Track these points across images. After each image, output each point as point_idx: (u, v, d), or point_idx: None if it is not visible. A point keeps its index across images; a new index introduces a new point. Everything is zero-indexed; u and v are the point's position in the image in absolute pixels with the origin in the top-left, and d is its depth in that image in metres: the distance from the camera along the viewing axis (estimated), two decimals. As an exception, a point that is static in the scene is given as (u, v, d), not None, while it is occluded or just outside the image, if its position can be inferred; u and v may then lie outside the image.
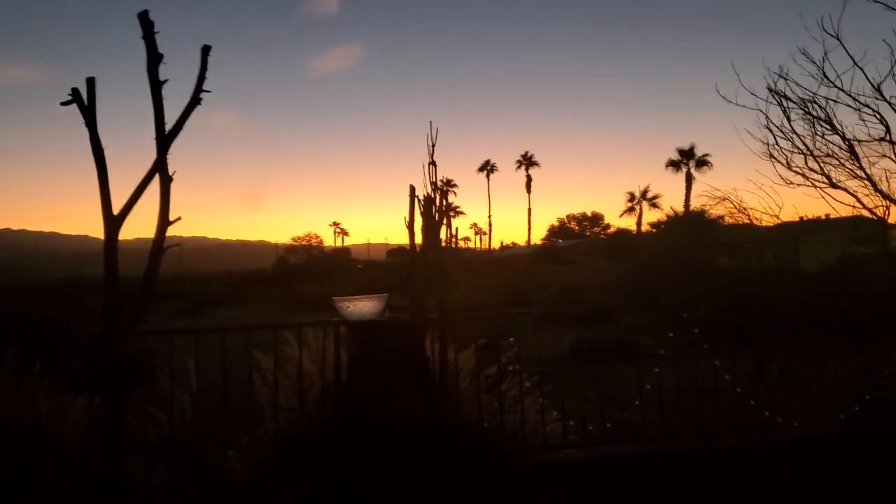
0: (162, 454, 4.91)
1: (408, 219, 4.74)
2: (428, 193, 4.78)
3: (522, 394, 5.26)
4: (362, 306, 4.63)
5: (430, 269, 4.75)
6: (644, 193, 76.48)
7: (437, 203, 4.80)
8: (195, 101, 4.71)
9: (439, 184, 4.80)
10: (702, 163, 68.52)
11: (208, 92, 4.73)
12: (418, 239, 4.94)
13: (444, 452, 4.69)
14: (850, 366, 6.19)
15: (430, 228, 4.75)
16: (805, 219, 9.80)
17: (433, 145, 4.80)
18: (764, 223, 7.11)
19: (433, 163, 4.79)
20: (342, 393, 4.65)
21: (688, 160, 68.84)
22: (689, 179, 67.91)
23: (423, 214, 4.81)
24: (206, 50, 4.73)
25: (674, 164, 69.76)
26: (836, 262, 21.13)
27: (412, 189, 4.72)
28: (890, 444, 5.39)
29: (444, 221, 4.86)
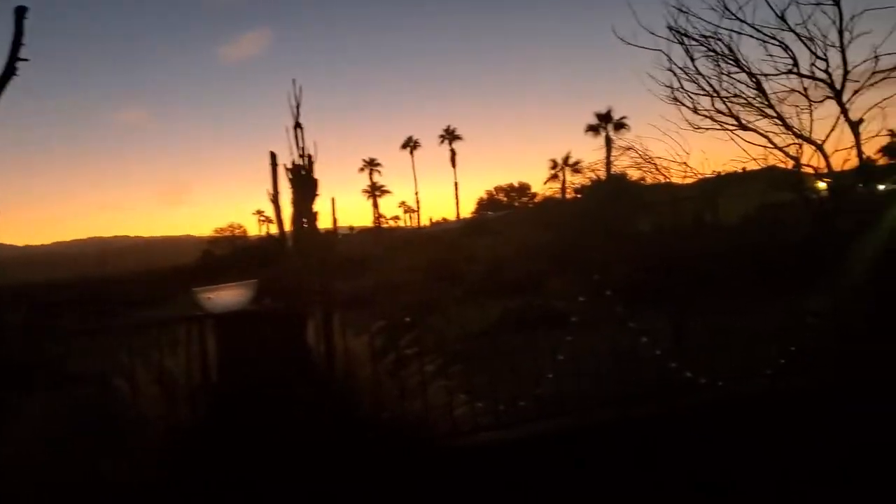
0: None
1: (271, 191, 4.15)
2: (294, 161, 4.20)
3: (425, 378, 4.77)
4: (227, 296, 4.04)
5: (304, 246, 4.17)
6: (566, 160, 76.85)
7: (308, 170, 4.22)
8: (10, 71, 4.03)
9: (307, 151, 4.22)
10: (620, 125, 69.02)
11: (26, 60, 4.05)
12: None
13: (337, 449, 4.16)
14: (773, 317, 5.90)
15: (301, 201, 4.17)
16: (721, 173, 9.56)
17: (297, 105, 4.21)
18: (672, 172, 6.75)
19: (299, 125, 4.20)
20: (212, 396, 4.06)
21: (606, 123, 69.30)
22: (609, 143, 68.42)
23: (291, 185, 4.23)
24: (20, 12, 4.03)
25: (593, 129, 70.14)
26: (753, 213, 21.32)
27: (273, 157, 4.12)
28: (818, 397, 5.09)
29: (317, 191, 4.28)
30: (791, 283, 6.96)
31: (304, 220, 4.16)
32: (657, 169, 6.51)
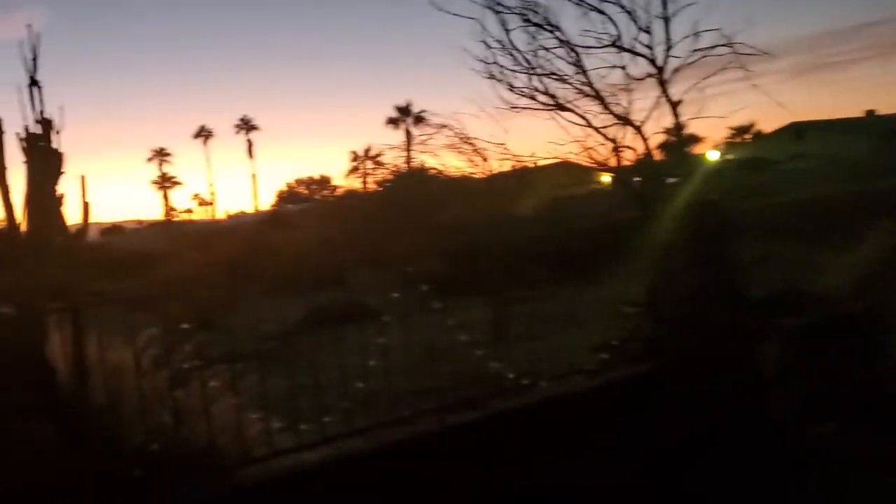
0: None
1: (-5, 167, 3.19)
2: (29, 129, 3.26)
3: (211, 395, 3.98)
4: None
5: (41, 236, 3.24)
6: (367, 152, 76.57)
7: (48, 139, 3.29)
8: None
9: (49, 116, 3.29)
10: (420, 119, 69.78)
11: None
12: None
13: (95, 496, 3.28)
14: (585, 305, 5.67)
15: (39, 179, 3.24)
16: (518, 168, 9.35)
17: (34, 58, 3.26)
18: (490, 154, 6.37)
19: (35, 83, 3.26)
20: None
21: (406, 116, 69.83)
22: (409, 136, 68.94)
23: (29, 160, 3.28)
24: None
25: (393, 122, 70.49)
26: (550, 204, 22.03)
27: (-4, 121, 3.15)
28: (642, 387, 4.88)
29: (61, 166, 3.35)
30: (600, 271, 6.83)
31: (44, 202, 3.22)
32: (475, 150, 6.10)
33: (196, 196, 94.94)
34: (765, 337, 5.49)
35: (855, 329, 6.07)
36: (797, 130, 43.61)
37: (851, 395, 5.53)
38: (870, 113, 51.80)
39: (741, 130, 65.06)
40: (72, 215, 3.47)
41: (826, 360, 5.64)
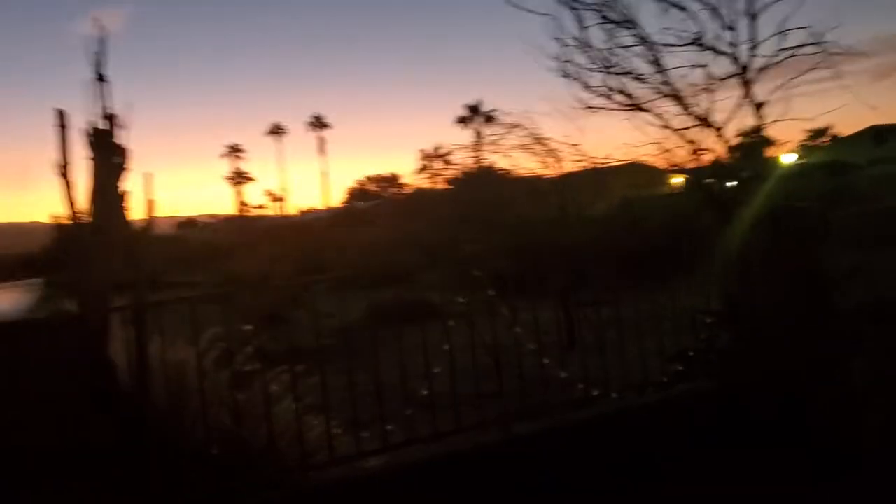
0: None
1: (60, 163, 3.16)
2: (94, 125, 3.22)
3: (272, 398, 3.91)
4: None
5: (106, 233, 3.20)
6: (437, 150, 76.78)
7: (114, 137, 3.25)
8: None
9: (114, 112, 3.25)
10: (490, 118, 69.56)
11: None
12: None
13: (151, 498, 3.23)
14: (658, 311, 5.40)
15: (104, 175, 3.20)
16: (589, 168, 9.09)
17: (101, 53, 3.23)
18: (563, 154, 6.16)
19: (102, 78, 3.23)
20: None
21: (476, 116, 69.70)
22: (479, 135, 68.72)
23: (95, 155, 3.24)
24: None
25: (463, 121, 70.46)
26: (622, 206, 21.54)
27: (61, 117, 3.12)
28: (719, 402, 4.62)
29: (126, 163, 3.31)
30: (674, 275, 6.55)
31: (108, 198, 3.19)
32: (547, 150, 5.93)
33: (268, 192, 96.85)
34: (854, 350, 5.15)
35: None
36: (877, 134, 41.69)
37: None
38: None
39: (818, 133, 62.62)
40: (137, 211, 3.45)
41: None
